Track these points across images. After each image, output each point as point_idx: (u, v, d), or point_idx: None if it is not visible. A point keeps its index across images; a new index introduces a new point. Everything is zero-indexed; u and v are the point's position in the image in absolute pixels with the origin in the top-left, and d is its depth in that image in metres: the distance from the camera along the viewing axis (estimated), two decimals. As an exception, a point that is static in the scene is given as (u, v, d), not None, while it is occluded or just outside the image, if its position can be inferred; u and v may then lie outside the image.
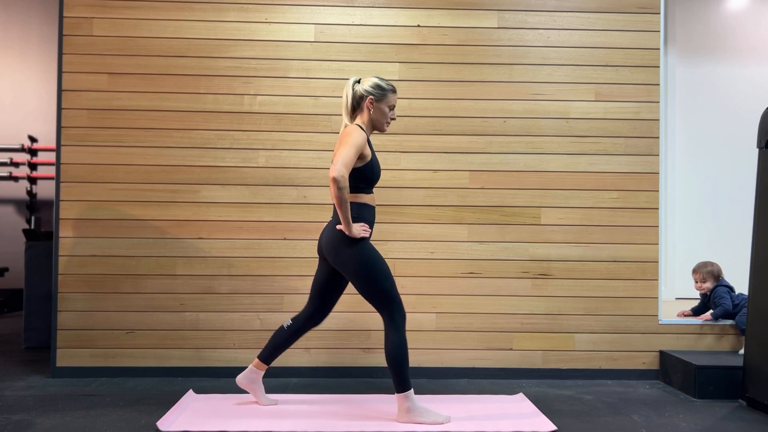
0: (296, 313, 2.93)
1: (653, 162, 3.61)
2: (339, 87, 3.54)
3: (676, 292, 4.65)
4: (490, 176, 3.58)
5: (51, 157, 6.23)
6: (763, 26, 4.82)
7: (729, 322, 3.57)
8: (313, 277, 2.89)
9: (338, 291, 2.85)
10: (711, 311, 3.62)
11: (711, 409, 2.97)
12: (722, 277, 3.67)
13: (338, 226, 2.61)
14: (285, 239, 3.52)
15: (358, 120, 2.74)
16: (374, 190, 3.44)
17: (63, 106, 3.49)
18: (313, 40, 3.56)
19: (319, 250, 2.79)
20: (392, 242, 3.54)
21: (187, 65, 3.53)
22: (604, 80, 3.61)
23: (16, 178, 6.31)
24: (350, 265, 2.62)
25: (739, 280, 3.63)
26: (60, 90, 3.50)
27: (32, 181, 6.33)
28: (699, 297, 3.78)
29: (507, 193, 3.58)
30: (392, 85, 2.76)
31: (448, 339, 3.54)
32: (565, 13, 3.62)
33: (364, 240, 2.64)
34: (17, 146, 6.25)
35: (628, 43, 3.62)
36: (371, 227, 2.70)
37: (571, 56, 3.61)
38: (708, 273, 3.66)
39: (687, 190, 4.76)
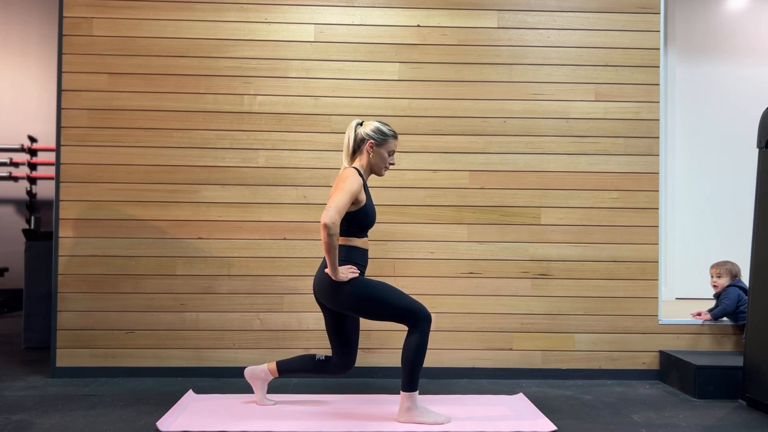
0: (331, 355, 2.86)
1: (653, 162, 3.61)
2: (339, 87, 3.54)
3: (676, 292, 4.65)
4: (489, 176, 3.58)
5: (51, 157, 6.23)
6: (763, 26, 4.82)
7: (729, 321, 3.56)
8: (325, 326, 2.84)
9: (354, 329, 2.79)
10: (710, 311, 3.61)
11: (711, 409, 2.97)
12: (739, 278, 3.63)
13: (326, 270, 2.59)
14: (285, 239, 3.52)
15: (356, 163, 2.72)
16: (374, 188, 3.44)
17: (63, 106, 3.49)
18: (313, 40, 3.56)
19: (316, 298, 2.74)
20: (392, 242, 3.54)
21: (187, 65, 3.53)
22: (604, 80, 3.61)
23: (16, 178, 6.31)
24: (348, 303, 2.60)
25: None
26: (60, 90, 3.50)
27: (32, 181, 6.33)
28: (712, 297, 3.73)
29: (507, 193, 3.58)
30: (394, 131, 2.75)
31: (448, 339, 3.54)
32: (565, 13, 3.62)
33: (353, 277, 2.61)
34: (17, 146, 6.25)
35: (628, 43, 3.62)
36: (363, 269, 2.68)
37: (571, 56, 3.61)
38: (726, 270, 3.63)
39: (687, 190, 4.76)
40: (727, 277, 3.61)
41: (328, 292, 2.61)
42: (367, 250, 2.72)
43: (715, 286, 3.66)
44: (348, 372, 2.82)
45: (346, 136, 2.72)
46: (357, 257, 2.66)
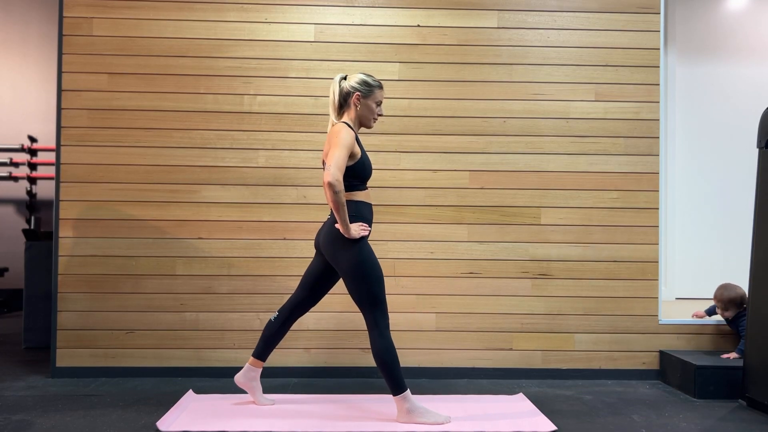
0: (282, 306, 2.93)
1: (653, 162, 3.61)
2: (339, 87, 3.54)
3: (676, 292, 4.65)
4: (490, 176, 3.58)
5: (51, 157, 6.23)
6: (763, 26, 4.81)
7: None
8: (306, 268, 2.89)
9: (329, 284, 2.87)
10: (736, 350, 3.32)
11: (711, 409, 2.97)
12: (746, 302, 3.30)
13: (336, 225, 2.62)
14: (285, 239, 3.52)
15: (345, 117, 2.75)
16: (374, 188, 3.45)
17: (63, 106, 3.49)
18: (313, 40, 3.56)
19: (316, 245, 2.80)
20: (392, 242, 3.54)
21: (187, 65, 3.53)
22: (604, 80, 3.61)
23: (16, 178, 6.31)
24: (345, 264, 2.63)
25: (740, 280, 3.62)
26: (60, 90, 3.50)
27: (32, 181, 6.33)
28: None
29: (507, 193, 3.58)
30: (379, 81, 2.77)
31: (448, 339, 3.54)
32: (565, 13, 3.62)
33: (362, 240, 2.64)
34: (17, 146, 6.25)
35: (628, 43, 3.62)
36: (370, 224, 2.71)
37: (571, 56, 3.61)
38: (729, 302, 3.35)
39: (687, 190, 4.76)
40: (732, 309, 3.36)
41: (333, 246, 2.64)
42: (371, 204, 2.75)
43: (724, 316, 3.41)
44: (301, 315, 2.87)
45: (330, 91, 2.74)
46: (365, 211, 2.69)
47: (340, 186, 2.49)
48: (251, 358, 2.89)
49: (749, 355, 3.04)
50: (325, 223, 2.75)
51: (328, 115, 3.53)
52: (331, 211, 2.70)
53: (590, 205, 3.59)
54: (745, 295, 3.36)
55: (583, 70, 3.61)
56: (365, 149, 2.83)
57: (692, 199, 4.76)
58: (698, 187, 4.77)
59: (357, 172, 2.66)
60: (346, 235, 2.58)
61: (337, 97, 2.73)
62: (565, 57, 3.61)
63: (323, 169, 2.67)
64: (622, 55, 3.62)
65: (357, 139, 2.68)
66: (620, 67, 3.61)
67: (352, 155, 2.62)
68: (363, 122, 2.77)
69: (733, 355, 3.31)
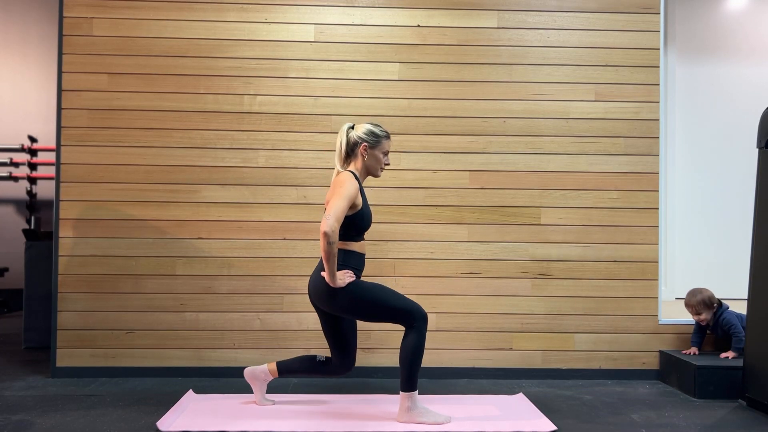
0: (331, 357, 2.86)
1: (653, 162, 3.61)
2: (339, 87, 3.54)
3: (676, 293, 4.65)
4: (490, 176, 3.58)
5: (51, 157, 6.23)
6: (763, 26, 4.81)
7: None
8: (322, 327, 2.84)
9: (351, 331, 2.79)
10: (732, 348, 3.30)
11: (711, 409, 2.97)
12: (716, 302, 3.36)
13: (322, 273, 2.58)
14: (285, 239, 3.52)
15: (351, 166, 2.73)
16: (374, 188, 3.44)
17: (63, 106, 3.49)
18: (313, 40, 3.56)
19: (311, 300, 2.73)
20: (392, 242, 3.54)
21: (187, 65, 3.53)
22: (604, 80, 3.61)
23: (16, 178, 6.31)
24: (345, 307, 2.60)
25: (740, 280, 3.62)
26: (60, 90, 3.50)
27: (32, 181, 6.33)
28: (693, 322, 3.49)
29: (507, 193, 3.58)
30: (386, 131, 2.75)
31: (448, 339, 3.54)
32: (565, 13, 3.62)
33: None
34: (17, 146, 6.25)
35: (628, 43, 3.62)
36: (360, 273, 2.68)
37: (571, 56, 3.61)
38: (699, 304, 3.35)
39: (687, 190, 4.76)
40: (705, 311, 3.35)
41: (324, 296, 2.61)
42: (364, 254, 2.72)
43: (701, 321, 3.39)
44: (349, 372, 2.83)
45: (338, 140, 2.72)
46: (354, 261, 2.66)
47: (335, 237, 2.47)
48: (274, 364, 2.86)
49: (749, 355, 3.04)
50: (311, 275, 2.70)
51: (328, 115, 3.54)
52: (318, 261, 2.67)
53: (590, 205, 3.59)
54: (713, 296, 3.37)
55: (583, 70, 3.61)
56: (368, 200, 2.78)
57: (692, 199, 4.76)
58: (698, 187, 4.77)
59: (356, 223, 2.63)
60: (331, 285, 2.54)
61: (343, 147, 2.71)
62: (565, 57, 3.61)
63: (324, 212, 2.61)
64: (622, 55, 3.62)
65: (361, 190, 2.66)
66: (620, 67, 3.61)
67: (353, 205, 2.59)
68: (370, 172, 2.75)
69: (731, 354, 3.30)
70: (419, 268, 3.54)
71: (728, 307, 3.40)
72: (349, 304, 2.59)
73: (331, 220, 2.47)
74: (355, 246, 2.67)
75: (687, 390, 3.23)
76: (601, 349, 3.56)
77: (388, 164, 2.78)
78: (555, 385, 3.41)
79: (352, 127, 2.74)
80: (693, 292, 3.41)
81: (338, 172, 2.68)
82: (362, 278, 2.88)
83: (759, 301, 3.00)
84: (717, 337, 3.47)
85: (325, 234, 2.45)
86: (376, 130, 2.72)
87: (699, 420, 2.80)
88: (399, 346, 3.41)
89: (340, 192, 2.54)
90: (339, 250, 2.61)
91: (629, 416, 2.84)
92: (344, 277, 2.57)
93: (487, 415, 2.79)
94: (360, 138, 2.70)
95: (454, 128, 3.58)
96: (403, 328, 3.48)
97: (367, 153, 2.70)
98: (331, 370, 2.81)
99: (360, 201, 2.63)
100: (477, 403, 3.00)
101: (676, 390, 3.32)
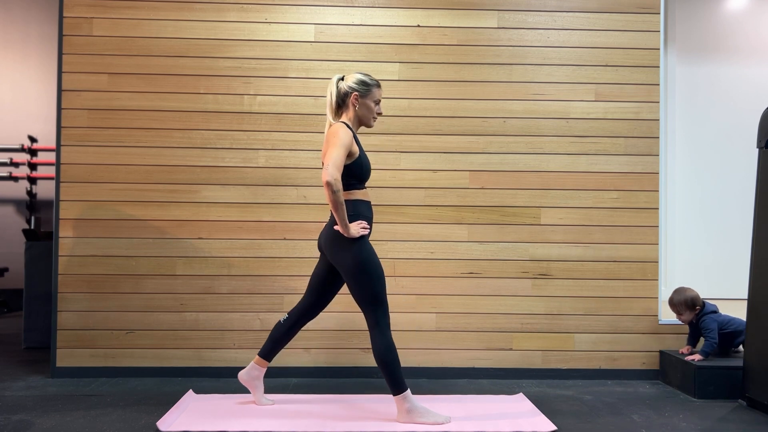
0: (292, 308, 2.93)
1: (653, 162, 3.61)
2: (339, 87, 3.54)
3: (676, 292, 4.64)
4: (490, 176, 3.58)
5: (51, 157, 6.23)
6: (763, 26, 4.81)
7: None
8: (312, 271, 2.89)
9: (336, 287, 2.87)
10: (699, 351, 3.26)
11: (711, 409, 2.97)
12: (699, 304, 3.32)
13: (336, 227, 2.62)
14: (285, 239, 3.52)
15: (343, 117, 2.75)
16: (374, 188, 3.45)
17: (63, 106, 3.49)
18: (313, 40, 3.56)
19: (319, 247, 2.80)
20: (392, 242, 3.54)
21: (187, 65, 3.53)
22: (604, 80, 3.61)
23: (16, 178, 6.31)
24: (347, 263, 2.63)
25: (740, 280, 3.62)
26: (60, 90, 3.50)
27: (32, 181, 6.33)
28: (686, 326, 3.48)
29: (507, 193, 3.58)
30: (376, 80, 2.77)
31: (448, 339, 3.54)
32: (565, 13, 3.62)
33: (362, 239, 2.64)
34: (17, 146, 6.25)
35: (628, 43, 3.62)
36: (370, 223, 2.71)
37: (571, 56, 3.61)
38: (680, 304, 3.34)
39: (687, 190, 4.76)
40: (687, 312, 3.33)
41: (334, 246, 2.65)
42: (369, 201, 2.75)
43: (682, 320, 3.39)
44: (311, 319, 2.87)
45: (328, 91, 2.75)
46: (363, 209, 2.69)
47: (338, 185, 2.49)
48: (257, 356, 2.90)
49: (749, 355, 3.04)
50: (325, 225, 2.76)
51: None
52: (331, 212, 2.70)
53: (590, 205, 3.59)
54: (697, 297, 3.34)
55: (583, 70, 3.61)
56: (364, 150, 2.82)
57: (692, 199, 4.76)
58: (698, 187, 4.77)
59: (355, 172, 2.66)
60: (345, 235, 2.58)
61: (334, 98, 2.73)
62: (565, 57, 3.61)
63: (322, 168, 2.66)
64: (622, 55, 3.62)
65: (356, 139, 2.68)
66: (620, 67, 3.61)
67: (350, 154, 2.62)
68: (363, 121, 2.77)
69: (697, 356, 3.23)
70: (419, 268, 3.54)
71: (714, 310, 3.34)
72: (352, 262, 2.61)
73: (331, 168, 2.49)
74: (358, 194, 2.69)
75: (687, 390, 3.23)
76: (601, 349, 3.56)
77: (380, 113, 2.79)
78: (555, 385, 3.41)
79: (342, 78, 2.76)
80: (677, 291, 3.40)
81: (330, 124, 2.71)
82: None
83: (759, 301, 3.00)
84: (700, 337, 3.41)
85: (328, 183, 2.47)
86: (366, 78, 2.74)
87: (699, 420, 2.80)
88: (400, 346, 3.43)
89: (335, 141, 2.56)
90: (345, 200, 2.63)
91: (629, 416, 2.84)
92: (357, 227, 2.61)
93: (487, 415, 2.79)
94: (350, 88, 2.72)
95: (454, 128, 3.58)
96: (402, 328, 3.48)
97: (358, 102, 2.72)
98: (297, 319, 2.85)
99: (356, 149, 2.65)
100: (477, 403, 3.00)
101: (676, 390, 3.32)
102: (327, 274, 2.83)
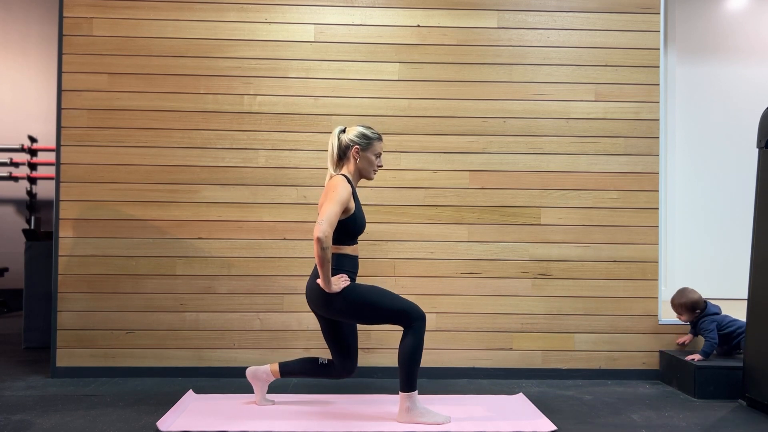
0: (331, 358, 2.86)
1: (653, 162, 3.61)
2: (339, 87, 3.54)
3: (676, 292, 4.64)
4: (490, 176, 3.58)
5: (51, 157, 6.23)
6: (763, 26, 4.81)
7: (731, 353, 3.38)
8: (321, 331, 2.83)
9: (351, 333, 2.78)
10: (700, 351, 3.27)
11: (711, 409, 2.97)
12: (700, 307, 3.35)
13: (317, 280, 2.58)
14: (285, 239, 3.52)
15: (344, 170, 2.72)
16: (374, 188, 3.44)
17: (63, 106, 3.49)
18: (313, 40, 3.56)
19: (309, 305, 2.73)
20: (392, 242, 3.54)
21: (187, 65, 3.53)
22: (604, 80, 3.61)
23: (16, 178, 6.31)
24: (342, 311, 2.60)
25: (740, 280, 3.62)
26: (60, 90, 3.50)
27: (32, 181, 6.33)
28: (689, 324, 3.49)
29: (507, 193, 3.58)
30: (378, 134, 2.75)
31: (448, 339, 3.54)
32: (565, 13, 3.62)
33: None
34: (17, 146, 6.25)
35: (628, 43, 3.62)
36: (354, 276, 2.67)
37: (571, 56, 3.61)
38: (681, 306, 3.37)
39: (687, 190, 4.76)
40: (686, 314, 3.37)
41: (321, 302, 2.61)
42: (357, 257, 2.71)
43: (681, 320, 3.43)
44: (351, 375, 2.82)
45: (329, 144, 2.72)
46: (347, 265, 2.65)
47: (329, 242, 2.46)
48: (276, 365, 2.86)
49: (749, 355, 3.04)
50: (308, 281, 2.70)
51: (328, 115, 3.54)
52: (313, 267, 2.67)
53: (590, 205, 3.59)
54: (699, 300, 3.35)
55: (583, 70, 3.61)
56: (361, 202, 2.77)
57: (692, 199, 4.76)
58: (698, 187, 4.77)
59: (349, 228, 2.62)
60: (326, 290, 2.55)
61: (335, 150, 2.71)
62: (565, 57, 3.61)
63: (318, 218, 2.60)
64: (622, 55, 3.62)
65: (354, 194, 2.65)
66: (620, 67, 3.61)
67: (346, 210, 2.58)
68: (363, 174, 2.74)
69: (697, 357, 3.24)
70: (419, 268, 3.54)
71: (716, 312, 3.35)
72: (345, 308, 2.58)
73: (324, 225, 2.46)
74: (347, 250, 2.66)
75: (687, 390, 3.23)
76: (601, 349, 3.56)
77: (381, 166, 2.77)
78: (555, 385, 3.41)
79: (344, 131, 2.74)
80: (680, 293, 3.42)
81: (331, 176, 2.68)
82: (358, 280, 2.87)
83: (759, 301, 3.00)
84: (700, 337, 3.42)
85: (319, 240, 2.45)
86: (368, 132, 2.71)
87: (699, 420, 2.80)
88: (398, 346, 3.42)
89: (333, 196, 2.54)
90: (332, 254, 2.60)
91: (629, 416, 2.84)
92: (339, 282, 2.57)
93: (487, 415, 2.79)
94: (351, 141, 2.69)
95: (454, 128, 3.58)
96: (400, 328, 3.48)
97: (359, 156, 2.70)
98: (333, 373, 2.81)
99: (353, 205, 2.62)
100: (477, 403, 3.00)
101: (676, 390, 3.32)
102: (334, 329, 2.75)
